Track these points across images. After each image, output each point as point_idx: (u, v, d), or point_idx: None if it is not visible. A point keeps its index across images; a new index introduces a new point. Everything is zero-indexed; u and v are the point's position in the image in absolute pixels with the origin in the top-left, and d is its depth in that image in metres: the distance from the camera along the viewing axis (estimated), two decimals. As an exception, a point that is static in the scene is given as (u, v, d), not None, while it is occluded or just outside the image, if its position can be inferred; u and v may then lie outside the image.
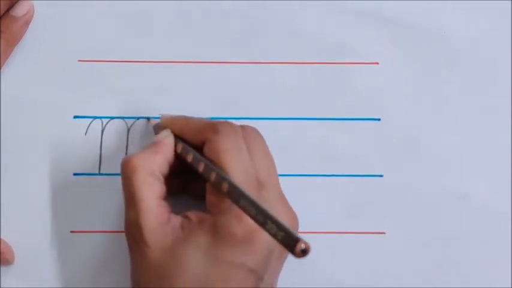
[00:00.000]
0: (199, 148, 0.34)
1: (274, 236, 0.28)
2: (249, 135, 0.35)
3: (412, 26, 0.41)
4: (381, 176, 0.40)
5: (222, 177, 0.32)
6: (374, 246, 0.39)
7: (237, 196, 0.30)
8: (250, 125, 0.36)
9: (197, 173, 0.34)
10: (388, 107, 0.40)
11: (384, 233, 0.39)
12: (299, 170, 0.39)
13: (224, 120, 0.35)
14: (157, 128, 0.37)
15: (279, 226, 0.28)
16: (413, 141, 0.40)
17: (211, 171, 0.32)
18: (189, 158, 0.34)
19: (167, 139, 0.35)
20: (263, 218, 0.29)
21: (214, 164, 0.33)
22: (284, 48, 0.41)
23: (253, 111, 0.40)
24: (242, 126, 0.35)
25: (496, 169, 0.40)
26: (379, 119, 0.40)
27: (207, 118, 0.37)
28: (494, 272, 0.39)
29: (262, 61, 0.41)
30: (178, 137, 0.36)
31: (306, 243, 0.27)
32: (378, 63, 0.41)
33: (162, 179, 0.34)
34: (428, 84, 0.41)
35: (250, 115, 0.40)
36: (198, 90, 0.40)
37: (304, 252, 0.27)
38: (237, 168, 0.32)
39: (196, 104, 0.40)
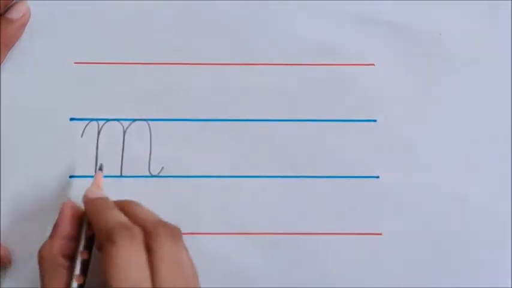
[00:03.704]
0: None
1: None
2: (158, 241, 0.31)
3: (408, 27, 0.41)
4: (377, 177, 0.40)
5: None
6: (371, 247, 0.39)
7: None
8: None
9: None
10: (385, 108, 0.40)
11: (380, 234, 0.39)
12: (295, 171, 0.39)
13: (126, 225, 0.32)
14: None
15: None
16: (409, 142, 0.40)
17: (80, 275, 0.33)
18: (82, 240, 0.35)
19: (65, 210, 0.35)
20: None
21: (103, 274, 0.31)
22: (280, 49, 0.41)
23: (250, 113, 0.40)
24: (156, 228, 0.32)
25: (492, 170, 0.40)
26: (375, 120, 0.40)
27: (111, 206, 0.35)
28: (493, 272, 0.39)
29: (259, 62, 0.41)
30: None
31: None
32: (374, 64, 0.41)
33: (65, 263, 0.34)
34: (424, 85, 0.41)
35: (246, 117, 0.40)
36: (194, 92, 0.40)
37: None
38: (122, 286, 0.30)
39: (192, 106, 0.40)
